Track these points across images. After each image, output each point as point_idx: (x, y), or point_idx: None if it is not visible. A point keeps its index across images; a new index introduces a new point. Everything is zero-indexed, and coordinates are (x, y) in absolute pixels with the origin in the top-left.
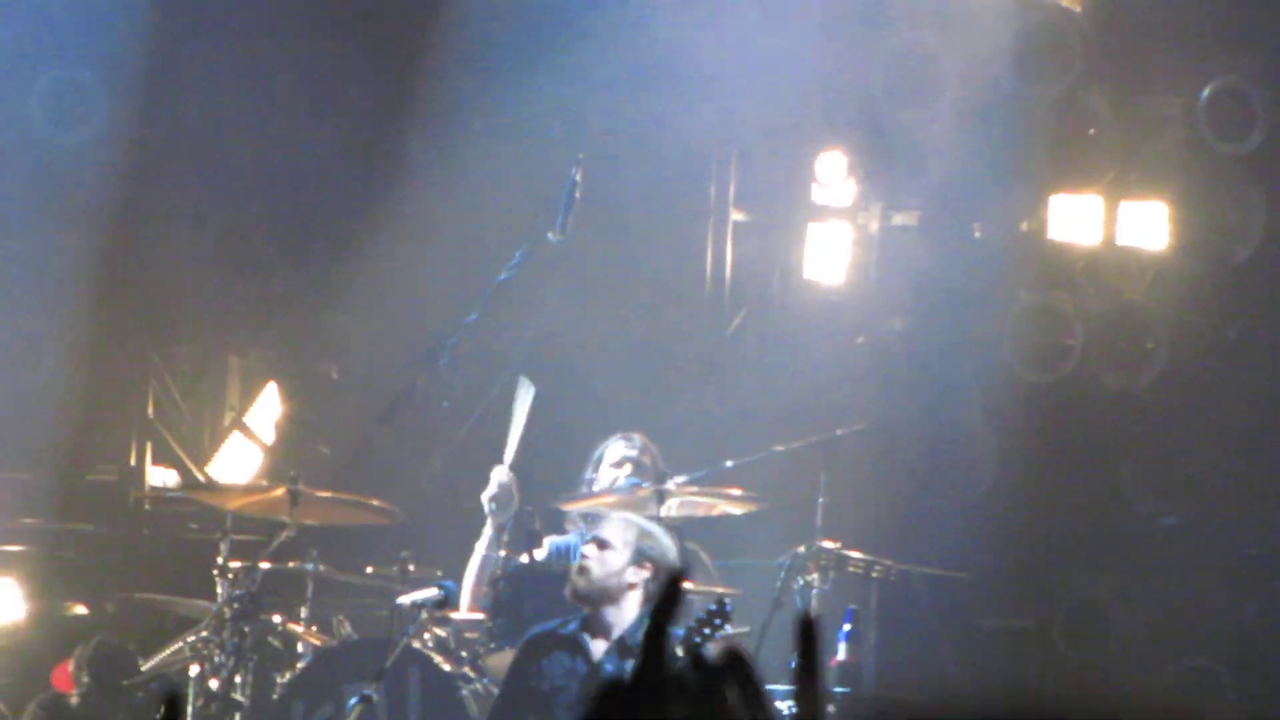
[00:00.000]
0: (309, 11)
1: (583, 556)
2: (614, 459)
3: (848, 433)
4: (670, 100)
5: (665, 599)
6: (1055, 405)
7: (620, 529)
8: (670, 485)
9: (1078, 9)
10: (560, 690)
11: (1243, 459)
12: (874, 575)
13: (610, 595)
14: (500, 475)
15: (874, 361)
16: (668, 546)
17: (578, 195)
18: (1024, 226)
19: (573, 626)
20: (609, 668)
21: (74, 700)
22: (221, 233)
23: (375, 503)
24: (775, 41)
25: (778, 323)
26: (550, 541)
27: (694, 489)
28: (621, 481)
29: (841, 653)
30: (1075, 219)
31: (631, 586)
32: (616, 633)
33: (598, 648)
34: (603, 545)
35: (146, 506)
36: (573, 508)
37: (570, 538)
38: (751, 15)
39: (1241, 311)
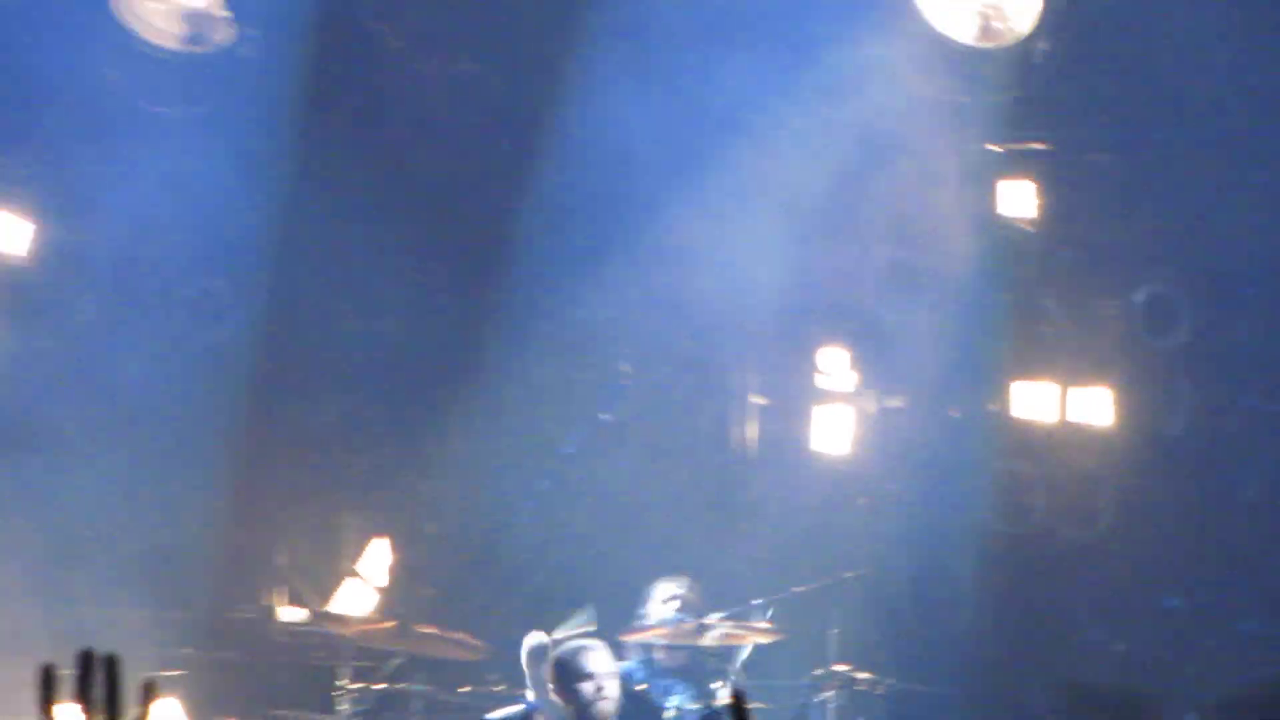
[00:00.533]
0: (407, 237)
1: (604, 689)
2: (664, 596)
3: (853, 576)
4: (701, 310)
5: (738, 712)
6: (1022, 553)
7: (609, 660)
8: (710, 620)
9: (1031, 229)
10: None
11: (1177, 596)
12: (878, 692)
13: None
14: (537, 638)
15: (873, 518)
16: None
17: (626, 384)
18: (992, 407)
19: None
20: None
21: None
22: (339, 415)
23: (461, 637)
24: (787, 259)
25: (793, 486)
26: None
27: (730, 623)
28: (670, 616)
29: None
30: (1034, 401)
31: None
32: None
33: None
34: (612, 678)
35: (280, 638)
36: (631, 639)
37: (629, 663)
38: (767, 240)
39: (1173, 476)
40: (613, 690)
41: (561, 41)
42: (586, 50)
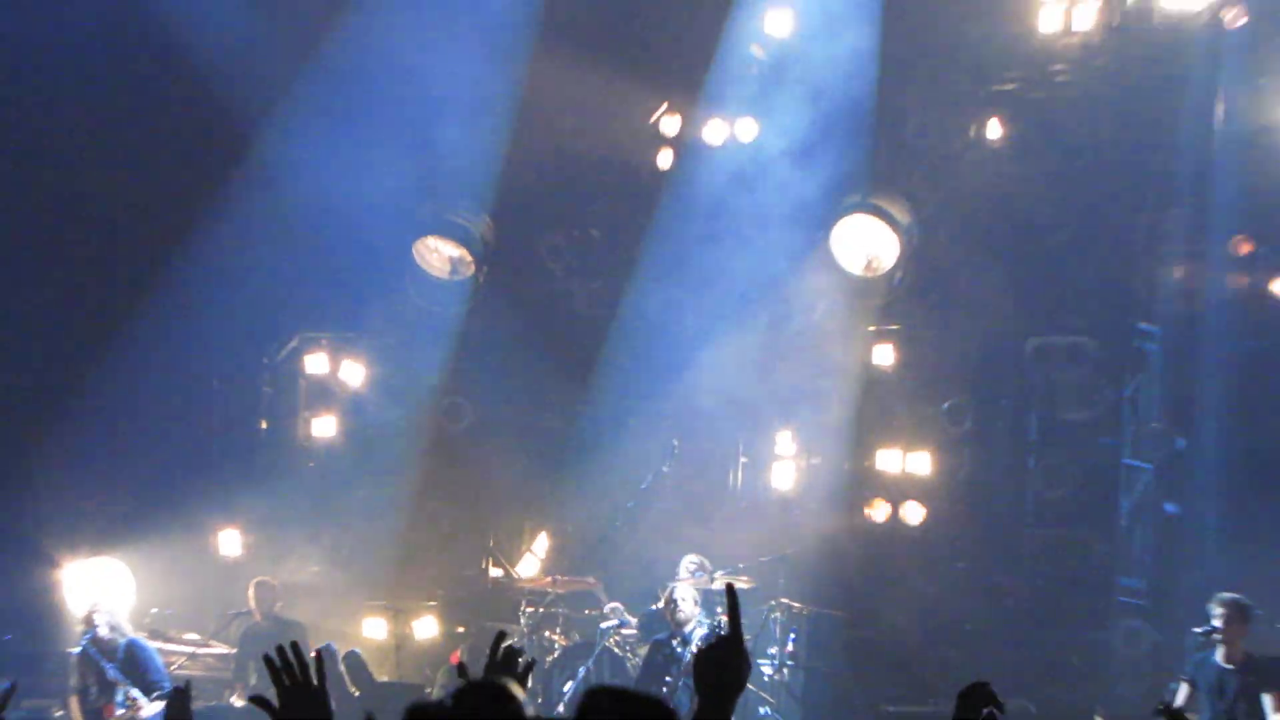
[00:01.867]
0: (556, 377)
1: (681, 605)
2: (689, 564)
3: (791, 552)
4: (715, 412)
5: (731, 601)
6: (879, 538)
7: (689, 590)
8: (715, 575)
9: (890, 371)
10: (664, 667)
11: (961, 561)
12: (805, 614)
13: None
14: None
15: (803, 522)
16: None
17: (676, 452)
18: (865, 463)
19: (664, 635)
20: (679, 650)
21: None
22: (523, 470)
23: (588, 581)
24: (761, 383)
25: (762, 506)
26: (655, 607)
27: (725, 576)
28: (694, 572)
29: (790, 646)
30: (888, 459)
31: (690, 617)
32: (682, 634)
33: (674, 643)
34: (685, 600)
35: (488, 585)
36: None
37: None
38: (746, 371)
39: (960, 499)
40: (686, 607)
41: (629, 264)
42: (643, 272)
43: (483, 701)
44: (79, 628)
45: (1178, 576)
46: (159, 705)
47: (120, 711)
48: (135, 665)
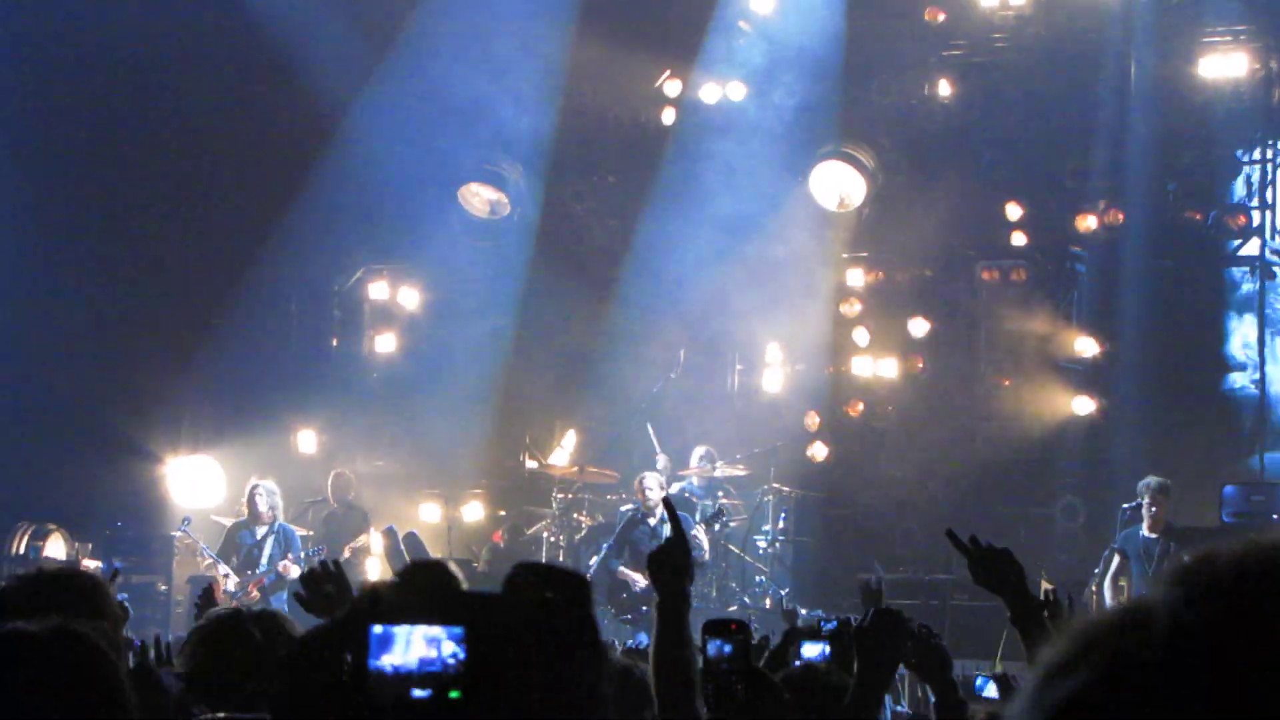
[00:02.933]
0: (581, 297)
1: (650, 488)
2: (700, 453)
3: (780, 444)
4: (716, 333)
5: (671, 510)
6: (853, 429)
7: (656, 476)
8: (717, 464)
9: (858, 298)
10: (647, 542)
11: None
12: (792, 496)
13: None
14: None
15: (788, 417)
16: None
17: (681, 361)
18: (843, 369)
19: (633, 511)
20: (659, 527)
21: (501, 544)
22: (554, 382)
23: (609, 472)
24: (755, 303)
25: (755, 404)
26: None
27: (724, 464)
28: (701, 459)
29: (780, 524)
30: (863, 365)
31: (658, 501)
32: (656, 515)
33: (650, 522)
34: (654, 484)
35: (525, 475)
36: (684, 473)
37: (685, 483)
38: (745, 295)
39: (920, 397)
40: (653, 494)
41: (639, 203)
42: (651, 210)
43: (424, 576)
44: (240, 508)
45: (1105, 459)
46: (297, 570)
47: (264, 571)
48: (284, 541)
